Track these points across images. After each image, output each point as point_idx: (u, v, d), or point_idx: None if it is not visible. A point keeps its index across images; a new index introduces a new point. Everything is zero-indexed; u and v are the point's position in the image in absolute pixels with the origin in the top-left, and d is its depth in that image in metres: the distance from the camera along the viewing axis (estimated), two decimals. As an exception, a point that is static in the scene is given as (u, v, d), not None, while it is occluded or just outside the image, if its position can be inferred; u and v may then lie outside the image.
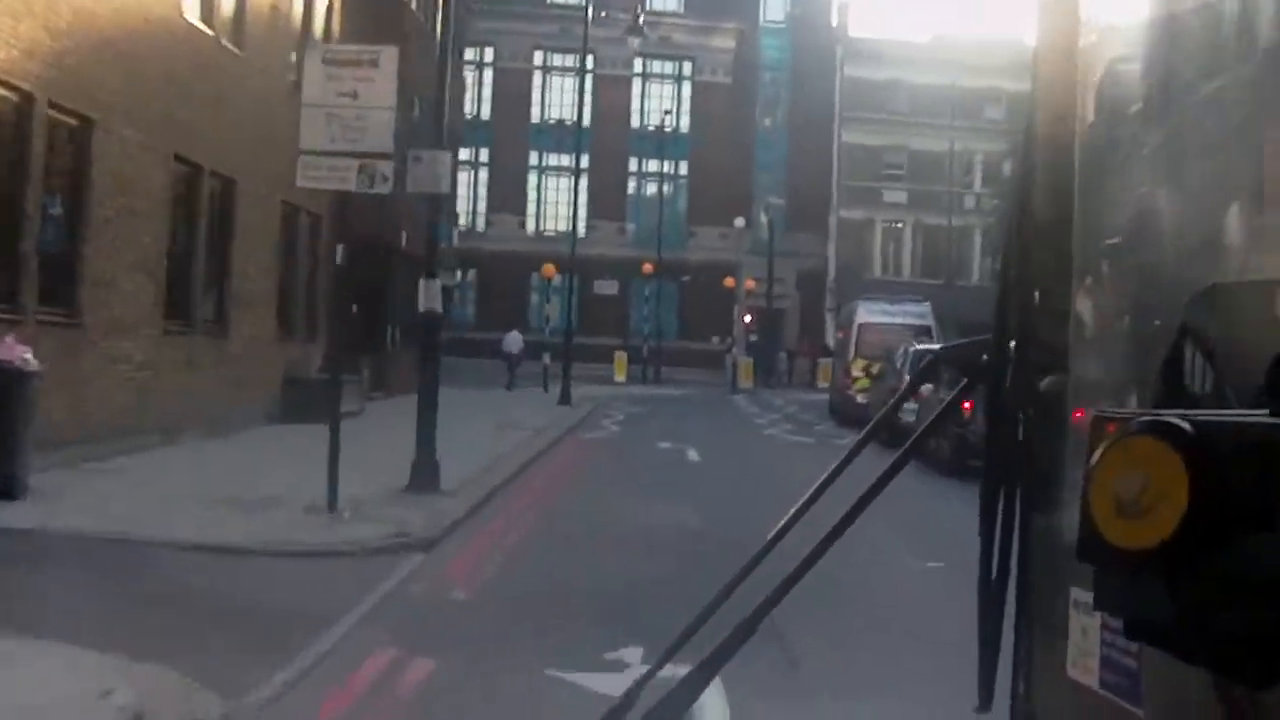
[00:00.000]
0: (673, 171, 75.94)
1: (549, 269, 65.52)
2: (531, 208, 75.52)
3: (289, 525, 15.39)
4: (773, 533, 2.83)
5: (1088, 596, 1.92)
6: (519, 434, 29.37)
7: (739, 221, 69.98)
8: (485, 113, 75.48)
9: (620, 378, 61.46)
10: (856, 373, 41.32)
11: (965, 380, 2.69)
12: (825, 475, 2.90)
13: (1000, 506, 2.44)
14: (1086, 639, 2.08)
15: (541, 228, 74.89)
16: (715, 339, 72.96)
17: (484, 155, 75.20)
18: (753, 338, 71.17)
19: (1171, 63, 2.20)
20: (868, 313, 44.10)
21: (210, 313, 25.54)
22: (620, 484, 22.42)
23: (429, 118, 26.33)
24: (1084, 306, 2.35)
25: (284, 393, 28.86)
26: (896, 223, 74.18)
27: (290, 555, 14.13)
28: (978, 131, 70.38)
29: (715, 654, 2.64)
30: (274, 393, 28.72)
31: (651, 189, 75.72)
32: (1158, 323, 2.14)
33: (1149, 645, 1.73)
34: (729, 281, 70.18)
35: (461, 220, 73.68)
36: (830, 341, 69.12)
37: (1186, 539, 1.50)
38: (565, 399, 42.36)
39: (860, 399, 38.83)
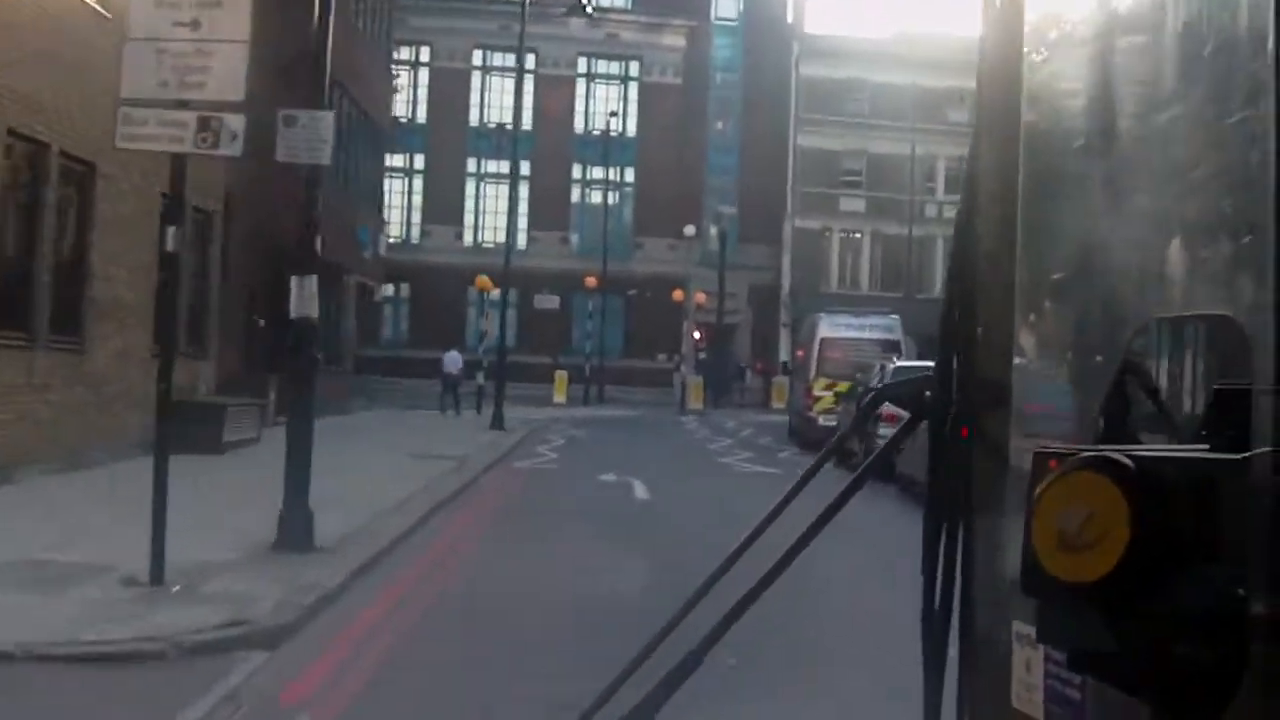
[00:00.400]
0: (619, 178, 72.18)
1: (483, 281, 61.57)
2: (469, 218, 71.12)
3: (88, 609, 11.15)
4: (719, 564, 2.85)
5: (1031, 629, 1.90)
6: (437, 467, 25.20)
7: (689, 230, 65.78)
8: (421, 115, 71.20)
9: (560, 398, 57.34)
10: (819, 392, 37.46)
11: (909, 416, 2.62)
12: (774, 505, 2.84)
13: (943, 540, 2.43)
14: (1030, 672, 2.08)
15: (480, 239, 70.62)
16: (662, 356, 69.24)
17: (419, 161, 70.90)
18: (702, 355, 67.24)
19: (1116, 96, 2.21)
20: (830, 327, 40.05)
21: (62, 323, 21.22)
22: (552, 532, 18.18)
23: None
24: (1027, 342, 2.35)
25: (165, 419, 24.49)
26: (854, 233, 70.25)
27: (68, 660, 9.86)
28: (941, 134, 65.61)
29: (661, 685, 2.64)
30: (152, 419, 24.42)
31: (596, 197, 71.81)
32: (1099, 358, 2.20)
33: (1092, 677, 1.78)
34: (678, 295, 66.02)
35: (394, 231, 69.63)
36: (785, 358, 65.85)
37: (1128, 572, 1.54)
38: (498, 423, 38.21)
39: (823, 420, 35.31)
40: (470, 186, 71.09)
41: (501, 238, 69.76)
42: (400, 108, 70.59)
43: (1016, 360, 2.33)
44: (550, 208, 70.23)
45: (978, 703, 2.36)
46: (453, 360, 50.55)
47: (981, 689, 2.32)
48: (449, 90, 70.60)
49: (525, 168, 69.32)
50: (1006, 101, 2.34)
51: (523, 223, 69.83)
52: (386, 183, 70.30)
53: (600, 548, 16.40)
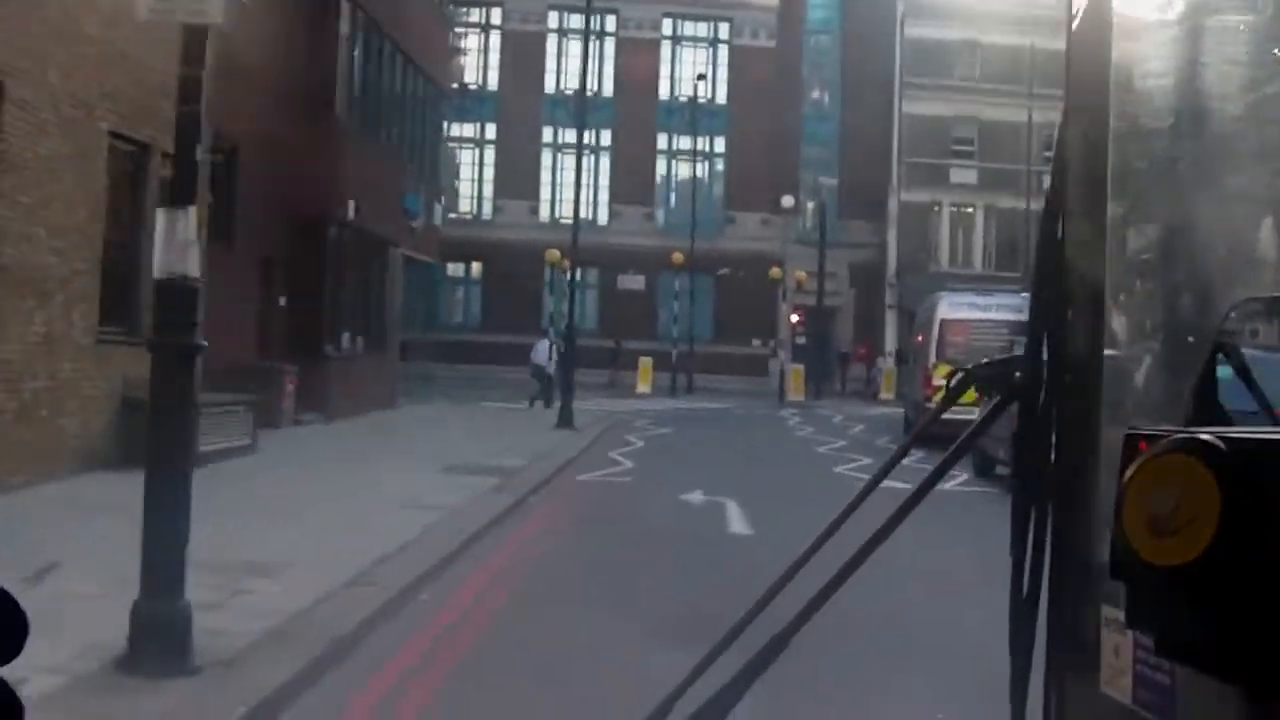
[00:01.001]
0: (708, 149, 65.79)
1: (555, 255, 55.71)
2: (545, 191, 65.19)
3: None
4: (808, 546, 2.82)
5: (1120, 614, 1.89)
6: (472, 486, 19.52)
7: (787, 200, 59.41)
8: (492, 82, 65.44)
9: (644, 388, 51.54)
10: (940, 381, 31.44)
11: (998, 398, 2.60)
12: (860, 490, 2.85)
13: (1032, 524, 2.42)
14: (1119, 657, 2.08)
15: (557, 214, 64.70)
16: (757, 342, 63.68)
17: (490, 131, 65.18)
18: (800, 340, 61.01)
19: (1205, 77, 2.28)
20: (953, 307, 34.69)
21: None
22: (606, 601, 12.16)
23: None
24: (1118, 324, 2.36)
25: (121, 422, 18.83)
26: (966, 207, 63.48)
27: None
28: (1061, 99, 58.87)
29: (749, 667, 2.57)
30: (102, 422, 18.81)
31: (683, 169, 65.50)
32: (1191, 339, 2.25)
33: (1181, 663, 1.77)
34: (775, 272, 59.62)
35: (464, 205, 64.14)
36: (891, 345, 59.89)
37: (1219, 556, 1.53)
38: (566, 420, 32.36)
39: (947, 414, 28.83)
40: (546, 158, 65.20)
41: (582, 211, 64.39)
42: (470, 74, 65.16)
43: (1107, 342, 2.32)
44: (634, 180, 64.50)
45: (1066, 687, 2.32)
46: (543, 350, 44.63)
47: (1070, 673, 2.30)
48: (522, 54, 64.70)
49: (606, 137, 63.98)
50: (1096, 81, 2.34)
51: (604, 196, 64.28)
52: (456, 153, 65.19)
53: (676, 627, 10.19)
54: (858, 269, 64.89)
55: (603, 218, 64.34)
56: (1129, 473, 1.66)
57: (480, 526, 15.72)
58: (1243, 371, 2.16)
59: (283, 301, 29.47)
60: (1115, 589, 1.81)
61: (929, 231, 63.66)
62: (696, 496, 20.32)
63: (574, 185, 62.84)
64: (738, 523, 17.83)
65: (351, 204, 31.04)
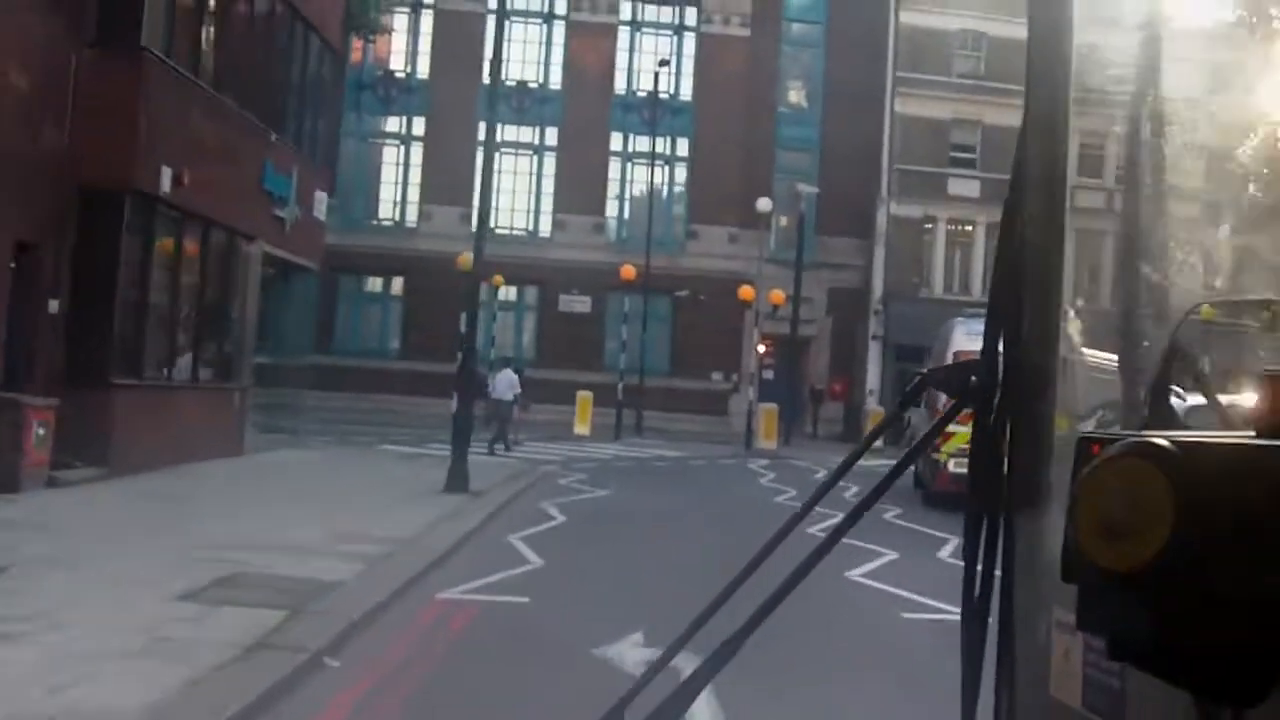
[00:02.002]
0: (669, 151, 56.99)
1: (497, 279, 47.81)
2: (479, 197, 55.88)
3: None
4: (748, 562, 2.61)
5: (1071, 617, 1.89)
6: (222, 629, 10.66)
7: (764, 204, 49.25)
8: (422, 69, 56.27)
9: (582, 429, 42.55)
10: (952, 426, 22.77)
11: (954, 402, 2.50)
12: (805, 502, 2.69)
13: (984, 527, 2.38)
14: (1069, 660, 2.10)
15: (494, 224, 55.69)
16: (717, 375, 55.37)
17: (418, 126, 56.09)
18: (767, 374, 52.12)
19: (1161, 82, 2.44)
20: (970, 337, 26.92)
21: None
22: None
23: None
24: (1074, 329, 2.43)
25: None
26: (965, 224, 54.38)
27: None
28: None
29: (695, 676, 2.48)
30: None
31: (640, 175, 56.58)
32: (1146, 344, 2.43)
33: (1132, 665, 1.76)
34: (746, 293, 49.75)
35: (385, 211, 55.35)
36: (873, 381, 51.54)
37: (1172, 559, 1.54)
38: (459, 483, 23.56)
39: (955, 466, 25.39)
40: (483, 158, 56.04)
41: (522, 221, 55.92)
42: (397, 60, 56.34)
43: (1062, 346, 2.36)
44: (582, 186, 55.36)
45: (1016, 690, 2.34)
46: (507, 383, 37.70)
47: (1020, 677, 2.33)
48: (458, 38, 55.67)
49: (552, 136, 55.24)
50: (1054, 90, 2.38)
51: (547, 204, 55.44)
52: (377, 151, 56.45)
53: None
54: (837, 294, 56.44)
55: (545, 229, 55.76)
56: (1082, 476, 1.66)
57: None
58: (1198, 378, 2.34)
59: (54, 306, 20.49)
60: (1067, 592, 1.78)
61: (922, 251, 54.75)
62: (631, 651, 11.40)
63: (532, 192, 55.33)
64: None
65: (167, 171, 22.05)
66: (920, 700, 9.65)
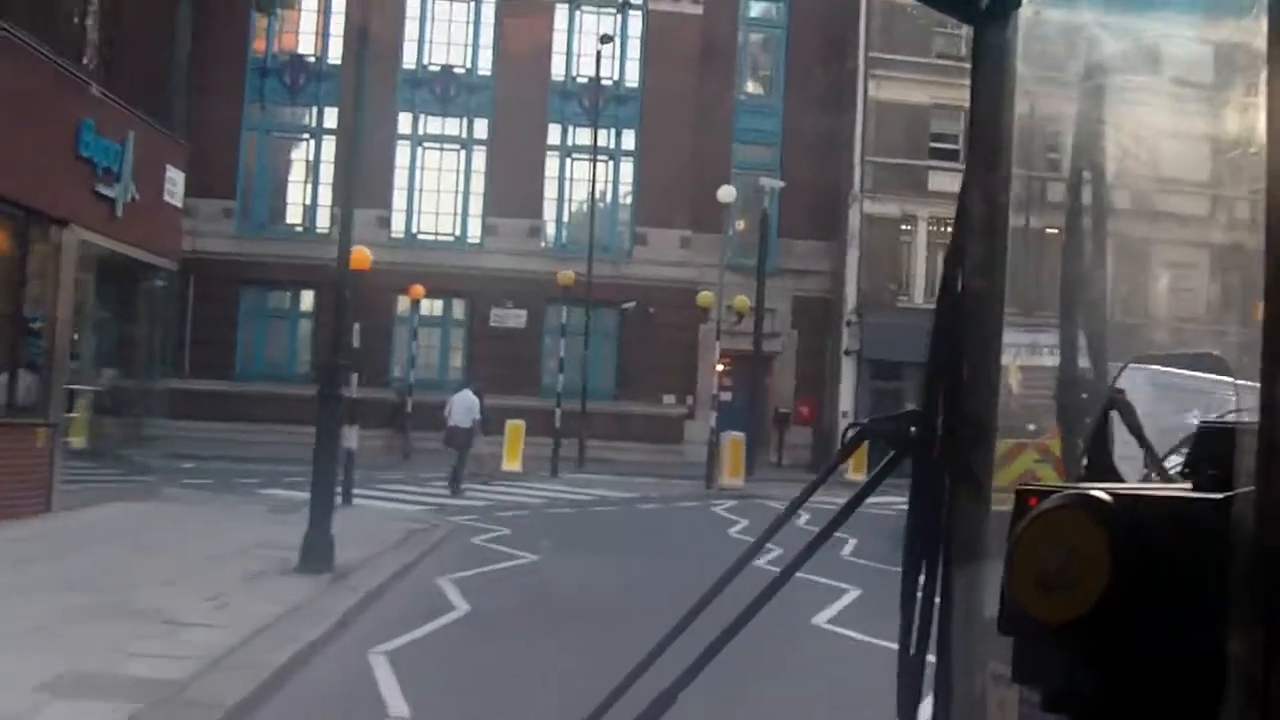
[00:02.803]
0: (613, 145, 50.23)
1: (416, 291, 43.75)
2: (400, 198, 49.42)
3: None
4: (690, 608, 2.75)
5: (1007, 669, 1.87)
6: None
7: (726, 193, 42.46)
8: (333, 54, 49.52)
9: (513, 465, 36.01)
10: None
11: (893, 453, 2.56)
12: (745, 551, 2.75)
13: (922, 578, 2.41)
14: (1004, 713, 2.09)
15: (415, 229, 49.36)
16: (669, 399, 48.99)
17: (329, 118, 49.43)
18: (724, 396, 45.58)
19: (1099, 142, 2.51)
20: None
21: None
22: None
23: None
24: (1013, 379, 2.51)
25: None
26: (949, 224, 47.74)
27: None
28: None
29: (652, 706, 2.58)
30: None
31: (582, 172, 49.54)
32: (1085, 396, 2.43)
33: (1067, 718, 1.73)
34: (705, 298, 43.14)
35: (292, 216, 48.94)
36: (845, 402, 46.73)
37: (1108, 612, 1.56)
38: (318, 556, 17.06)
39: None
40: (402, 154, 49.60)
41: (447, 226, 49.47)
42: (306, 43, 49.91)
43: (1001, 397, 2.41)
44: (516, 185, 48.61)
45: None
46: (465, 407, 32.50)
47: None
48: (374, 19, 49.06)
49: (481, 128, 48.98)
50: (996, 141, 2.50)
51: (476, 206, 49.05)
52: (284, 145, 50.06)
53: None
54: (803, 304, 50.32)
55: (474, 233, 49.29)
56: (1019, 528, 1.66)
57: None
58: (1134, 429, 2.29)
59: None
60: (1003, 644, 1.77)
61: (900, 255, 48.64)
62: None
63: (459, 192, 49.06)
64: None
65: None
66: None
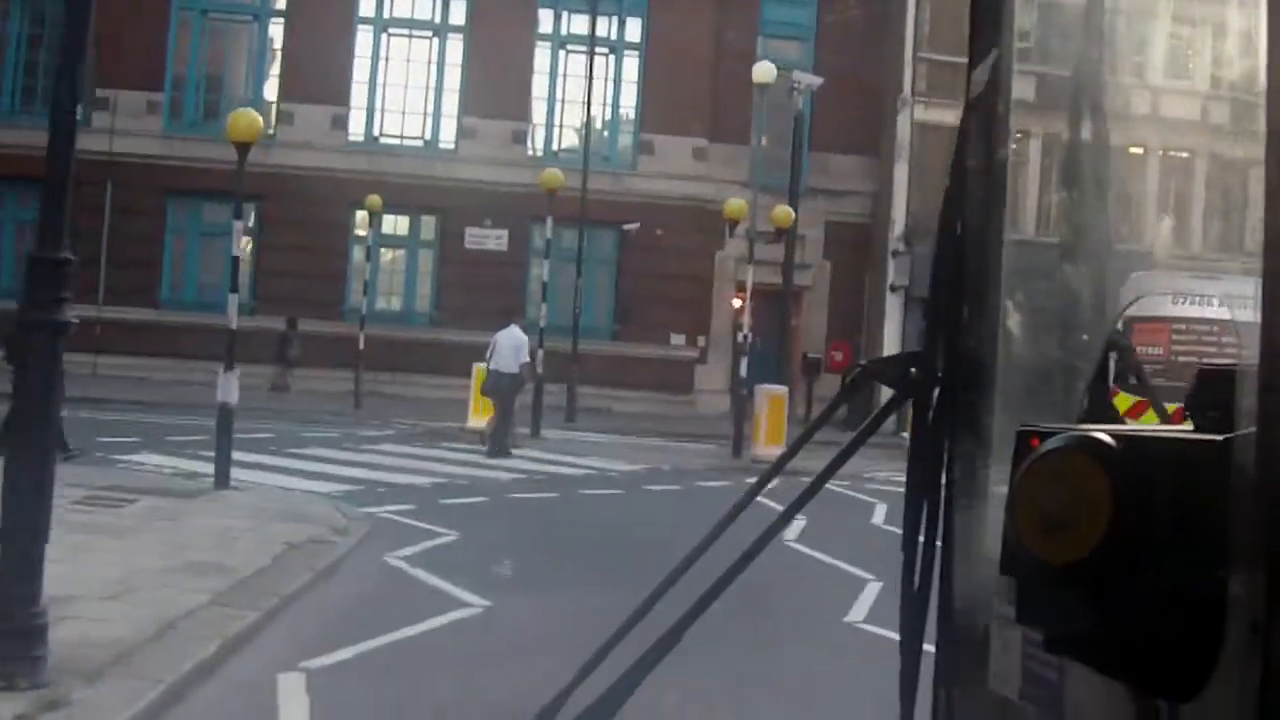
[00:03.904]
0: (615, 35, 42.88)
1: (375, 201, 36.26)
2: (359, 94, 42.19)
3: None
4: (687, 555, 2.75)
5: (1010, 610, 1.92)
6: None
7: (763, 70, 34.13)
8: (281, -75, 42.22)
9: (478, 421, 28.38)
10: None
11: (894, 394, 2.58)
12: (736, 502, 2.81)
13: (924, 519, 2.42)
14: (1007, 654, 2.09)
15: (377, 131, 42.03)
16: (678, 339, 42.05)
17: (278, 0, 41.94)
18: (746, 336, 38.02)
19: (1101, 74, 2.43)
20: (1146, 300, 13.17)
21: None
22: None
23: None
24: (1013, 322, 2.42)
25: None
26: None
27: None
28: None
29: (640, 662, 2.57)
30: None
31: (577, 67, 42.12)
32: (1085, 338, 2.37)
33: (1070, 658, 1.79)
34: (734, 207, 34.31)
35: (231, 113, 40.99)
36: (891, 345, 38.75)
37: (1109, 553, 1.58)
38: (12, 648, 9.16)
39: None
40: (364, 40, 42.20)
41: (414, 127, 42.09)
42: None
43: (1002, 339, 2.36)
44: (498, 82, 41.27)
45: (954, 684, 2.31)
46: (512, 347, 27.37)
47: (958, 670, 2.29)
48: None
49: (459, 13, 42.04)
50: (995, 73, 2.43)
51: (451, 104, 42.41)
52: (222, 30, 42.65)
53: None
54: (837, 230, 43.14)
55: (447, 137, 42.30)
56: (1021, 469, 1.68)
57: None
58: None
59: None
60: (1006, 584, 1.81)
61: (956, 172, 41.63)
62: None
63: (430, 88, 41.81)
64: None
65: None
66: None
